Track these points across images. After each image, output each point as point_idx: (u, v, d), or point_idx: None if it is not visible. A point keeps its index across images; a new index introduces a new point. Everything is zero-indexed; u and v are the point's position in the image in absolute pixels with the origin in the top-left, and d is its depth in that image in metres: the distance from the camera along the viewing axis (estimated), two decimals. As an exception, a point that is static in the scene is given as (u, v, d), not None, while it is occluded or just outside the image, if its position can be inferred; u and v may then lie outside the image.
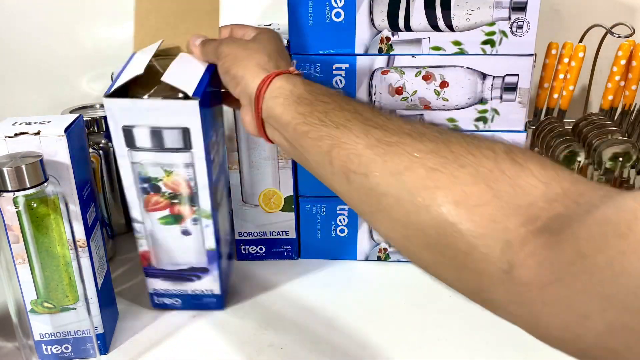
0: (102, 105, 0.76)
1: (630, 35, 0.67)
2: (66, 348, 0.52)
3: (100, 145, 0.72)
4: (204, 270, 0.59)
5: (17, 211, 0.45)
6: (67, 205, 0.47)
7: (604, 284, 0.25)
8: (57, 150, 0.47)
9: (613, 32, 0.68)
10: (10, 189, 0.43)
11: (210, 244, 0.57)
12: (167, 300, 0.61)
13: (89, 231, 0.51)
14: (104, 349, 0.54)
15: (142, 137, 0.51)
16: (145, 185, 0.54)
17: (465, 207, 0.31)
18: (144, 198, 0.54)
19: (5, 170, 0.43)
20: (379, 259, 0.70)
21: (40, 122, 0.48)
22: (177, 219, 0.56)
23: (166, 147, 0.51)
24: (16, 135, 0.46)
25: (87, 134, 0.71)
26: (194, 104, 0.48)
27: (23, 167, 0.43)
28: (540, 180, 0.31)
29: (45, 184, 0.45)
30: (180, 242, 0.57)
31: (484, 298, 0.32)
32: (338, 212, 0.68)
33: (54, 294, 0.50)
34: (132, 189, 0.54)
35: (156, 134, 0.50)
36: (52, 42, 0.83)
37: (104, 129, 0.72)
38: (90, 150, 0.69)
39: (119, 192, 0.75)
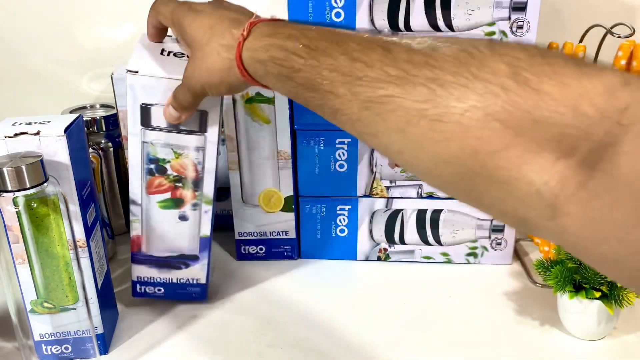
0: (102, 105, 0.77)
1: (631, 35, 0.67)
2: (66, 348, 0.52)
3: (101, 145, 0.72)
4: (194, 258, 0.58)
5: (17, 211, 0.45)
6: (67, 205, 0.47)
7: None
8: (57, 150, 0.47)
9: (613, 32, 0.68)
10: (10, 189, 0.43)
11: (206, 230, 0.57)
12: (149, 289, 0.60)
13: (88, 231, 0.51)
14: (104, 349, 0.54)
15: (159, 116, 0.51)
16: (152, 166, 0.54)
17: (486, 155, 0.28)
18: (148, 180, 0.55)
19: (5, 170, 0.43)
20: (379, 259, 0.70)
21: (40, 122, 0.48)
22: (177, 203, 0.56)
23: (181, 128, 0.52)
24: (16, 135, 0.46)
25: (87, 134, 0.71)
26: None
27: (23, 167, 0.43)
28: (565, 104, 0.26)
29: (45, 184, 0.45)
30: (176, 228, 0.57)
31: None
32: (338, 212, 0.68)
33: (54, 294, 0.49)
34: (137, 169, 0.54)
35: None
36: (52, 42, 0.83)
37: (104, 129, 0.72)
38: (90, 150, 0.69)
39: (119, 192, 0.75)
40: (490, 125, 0.27)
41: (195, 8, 0.46)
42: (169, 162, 0.54)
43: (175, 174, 0.55)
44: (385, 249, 0.69)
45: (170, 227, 0.57)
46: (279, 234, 0.69)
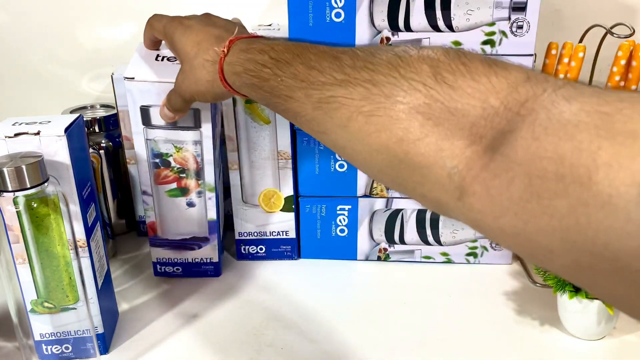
0: (102, 105, 0.77)
1: (630, 35, 0.67)
2: (66, 348, 0.52)
3: (101, 145, 0.72)
4: (205, 240, 0.64)
5: (17, 211, 0.45)
6: (68, 205, 0.47)
7: (569, 231, 0.24)
8: (57, 150, 0.47)
9: (613, 32, 0.68)
10: (10, 189, 0.43)
11: (212, 215, 0.63)
12: (168, 269, 0.66)
13: (89, 231, 0.51)
14: (104, 349, 0.54)
15: (157, 116, 0.57)
16: (157, 160, 0.60)
17: (409, 143, 0.32)
18: (155, 172, 0.61)
19: (5, 170, 0.43)
20: (379, 259, 0.70)
21: (40, 122, 0.48)
22: (183, 191, 0.62)
23: (178, 125, 0.58)
24: (16, 135, 0.46)
25: (87, 134, 0.71)
26: None
27: (23, 167, 0.43)
28: (475, 98, 0.30)
29: (46, 184, 0.45)
30: (185, 213, 0.63)
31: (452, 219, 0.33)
32: (338, 212, 0.68)
33: (54, 294, 0.50)
34: (144, 163, 0.61)
35: None
36: (52, 42, 0.83)
37: (104, 129, 0.73)
38: (90, 150, 0.69)
39: (119, 192, 0.75)
40: (414, 117, 0.31)
41: (186, 23, 0.51)
42: (171, 155, 0.60)
43: (178, 166, 0.61)
44: (385, 249, 0.69)
45: (180, 213, 0.63)
46: (279, 234, 0.69)
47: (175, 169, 0.61)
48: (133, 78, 0.57)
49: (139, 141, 0.60)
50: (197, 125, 0.59)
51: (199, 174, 0.61)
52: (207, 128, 0.59)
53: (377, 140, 0.33)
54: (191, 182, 0.61)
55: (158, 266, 0.66)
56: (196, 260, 0.65)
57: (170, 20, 0.53)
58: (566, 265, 0.26)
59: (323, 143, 0.40)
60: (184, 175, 0.61)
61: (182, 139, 0.59)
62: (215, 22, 0.52)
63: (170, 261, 0.65)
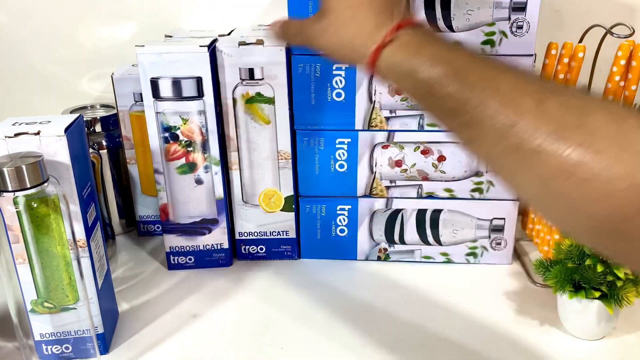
0: (102, 105, 0.77)
1: (630, 35, 0.67)
2: (66, 348, 0.52)
3: (101, 145, 0.72)
4: (214, 222, 0.66)
5: (17, 211, 0.45)
6: (68, 205, 0.47)
7: None
8: (57, 150, 0.47)
9: (613, 32, 0.68)
10: (10, 189, 0.43)
11: (220, 192, 0.65)
12: (181, 260, 0.68)
13: (89, 231, 0.51)
14: (104, 349, 0.54)
15: (165, 88, 0.61)
16: (166, 134, 0.63)
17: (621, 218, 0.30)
18: (165, 147, 0.63)
19: (5, 170, 0.43)
20: (379, 259, 0.70)
21: (40, 122, 0.48)
22: (191, 167, 0.64)
23: (184, 95, 0.61)
24: (16, 135, 0.46)
25: (87, 134, 0.71)
26: (205, 53, 0.60)
27: (23, 167, 0.43)
28: None
29: (46, 184, 0.45)
30: (194, 192, 0.65)
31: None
32: (338, 212, 0.68)
33: (54, 294, 0.50)
34: (156, 138, 0.63)
35: (176, 83, 0.61)
36: (52, 42, 0.83)
37: (104, 129, 0.73)
38: (90, 150, 0.69)
39: (119, 192, 0.75)
40: (633, 191, 0.29)
41: None
42: (179, 128, 0.63)
43: (185, 139, 0.63)
44: (385, 249, 0.69)
45: (190, 192, 0.65)
46: (279, 234, 0.69)
47: (183, 142, 0.63)
48: (143, 45, 0.60)
49: (149, 115, 0.62)
50: (200, 95, 0.61)
51: (205, 145, 0.63)
52: (209, 96, 0.61)
53: (588, 208, 0.30)
54: (198, 156, 0.64)
55: (171, 257, 0.67)
56: (207, 247, 0.67)
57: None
58: None
59: (494, 172, 0.36)
60: (191, 149, 0.63)
61: (188, 109, 0.61)
62: None
63: (182, 250, 0.67)
